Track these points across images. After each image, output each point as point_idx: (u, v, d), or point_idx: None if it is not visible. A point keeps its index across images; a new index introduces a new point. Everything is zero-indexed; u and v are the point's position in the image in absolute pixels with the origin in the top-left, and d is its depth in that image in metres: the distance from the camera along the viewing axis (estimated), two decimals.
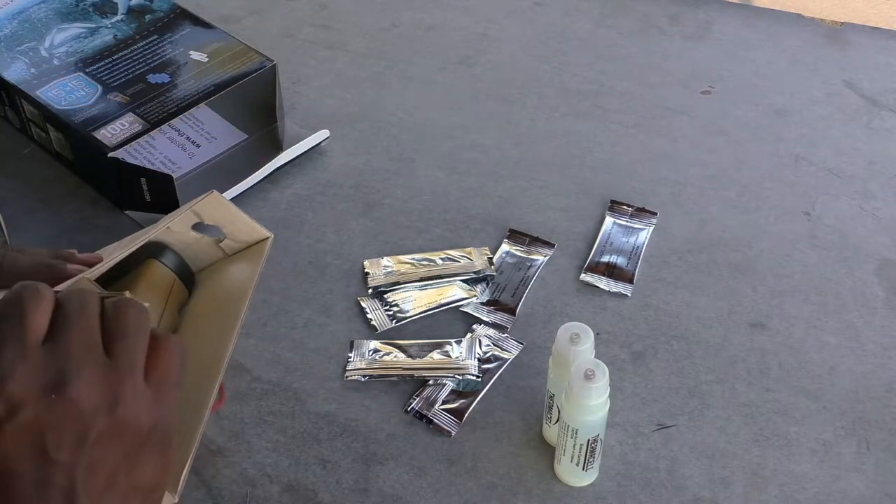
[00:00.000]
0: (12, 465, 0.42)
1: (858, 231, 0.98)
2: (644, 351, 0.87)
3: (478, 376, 0.84)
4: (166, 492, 0.56)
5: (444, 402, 0.83)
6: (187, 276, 0.72)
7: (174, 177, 0.94)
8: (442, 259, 0.94)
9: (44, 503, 0.42)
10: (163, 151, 1.02)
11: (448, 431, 0.81)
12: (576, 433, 0.73)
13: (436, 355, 0.86)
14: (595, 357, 0.74)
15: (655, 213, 0.99)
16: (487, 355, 0.87)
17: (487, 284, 0.92)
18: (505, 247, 0.96)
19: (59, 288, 0.53)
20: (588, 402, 0.71)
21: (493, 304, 0.91)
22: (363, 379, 0.85)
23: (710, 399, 0.84)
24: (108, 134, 0.97)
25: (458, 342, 0.87)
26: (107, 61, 1.04)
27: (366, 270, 0.94)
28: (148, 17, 1.09)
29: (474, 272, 0.93)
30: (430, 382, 0.84)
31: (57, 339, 0.44)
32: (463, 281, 0.92)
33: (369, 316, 0.90)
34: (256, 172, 1.01)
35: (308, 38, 1.22)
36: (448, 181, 1.03)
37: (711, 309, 0.91)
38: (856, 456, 0.80)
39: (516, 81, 1.15)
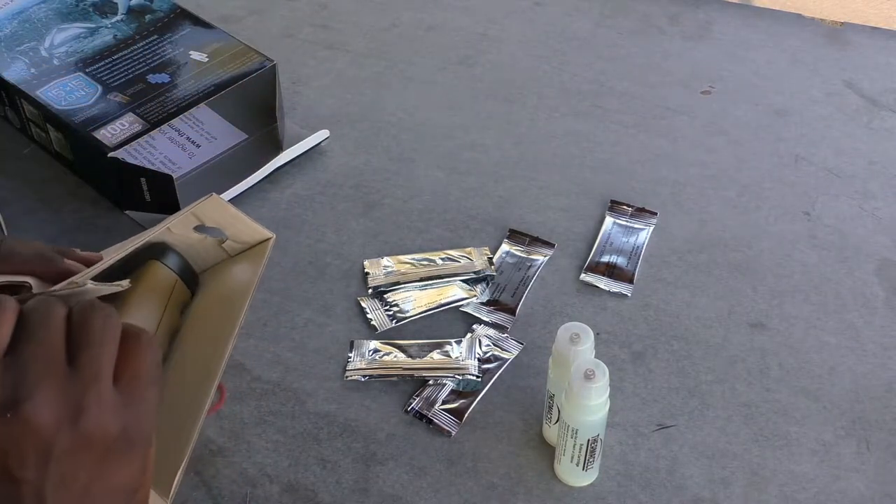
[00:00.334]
0: None
1: (858, 231, 0.98)
2: (644, 351, 0.87)
3: (478, 376, 0.84)
4: (158, 495, 0.56)
5: (444, 402, 0.83)
6: (190, 277, 0.72)
7: (174, 177, 0.94)
8: (442, 259, 0.94)
9: None
10: (163, 151, 1.02)
11: (448, 431, 0.81)
12: (576, 433, 0.73)
13: (436, 355, 0.86)
14: (595, 357, 0.74)
15: (655, 213, 0.99)
16: (487, 355, 0.87)
17: (487, 284, 0.92)
18: (505, 247, 0.96)
19: (55, 288, 0.53)
20: (588, 402, 0.71)
21: (493, 304, 0.91)
22: (363, 379, 0.85)
23: (710, 399, 0.84)
24: (108, 134, 0.97)
25: (458, 342, 0.87)
26: (107, 61, 1.04)
27: (366, 270, 0.94)
28: (148, 17, 1.09)
29: (474, 272, 0.93)
30: (430, 382, 0.84)
31: (17, 353, 0.43)
32: (463, 281, 0.92)
33: (369, 316, 0.90)
34: (256, 172, 1.01)
35: (308, 38, 1.22)
36: (448, 181, 1.03)
37: (711, 309, 0.91)
38: (856, 456, 0.80)
39: (516, 81, 1.15)
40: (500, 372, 0.86)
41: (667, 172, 1.04)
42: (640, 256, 0.95)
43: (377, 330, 0.89)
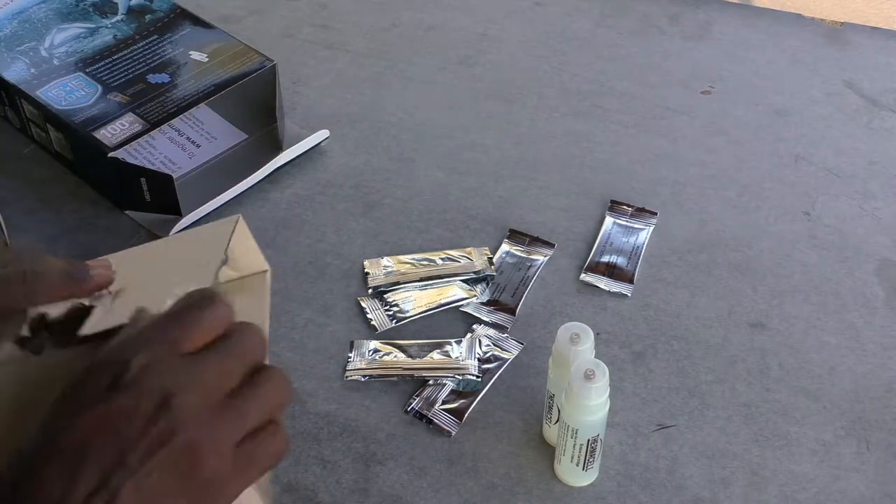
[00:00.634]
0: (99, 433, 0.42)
1: (858, 231, 0.98)
2: (644, 351, 0.87)
3: (478, 376, 0.84)
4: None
5: (444, 402, 0.83)
6: None
7: (174, 177, 0.94)
8: (442, 259, 0.94)
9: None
10: (163, 151, 1.02)
11: (448, 431, 0.81)
12: (576, 433, 0.73)
13: (436, 355, 0.86)
14: (595, 357, 0.74)
15: (655, 213, 0.99)
16: (487, 355, 0.87)
17: (487, 284, 0.92)
18: (505, 247, 0.96)
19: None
20: (588, 402, 0.71)
21: (493, 304, 0.91)
22: (363, 379, 0.85)
23: (710, 399, 0.84)
24: (108, 134, 0.97)
25: (458, 342, 0.87)
26: (107, 61, 1.04)
27: (366, 270, 0.94)
28: (148, 17, 1.09)
29: (474, 272, 0.93)
30: (430, 382, 0.84)
31: (199, 359, 0.44)
32: (463, 281, 0.92)
33: (369, 316, 0.90)
34: (256, 172, 1.01)
35: (308, 38, 1.22)
36: (448, 181, 1.03)
37: (711, 309, 0.91)
38: (856, 456, 0.80)
39: (516, 81, 1.15)
40: (500, 372, 0.86)
41: (667, 172, 1.04)
42: (640, 256, 0.95)
43: (377, 330, 0.89)
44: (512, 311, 0.90)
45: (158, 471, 0.42)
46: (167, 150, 1.02)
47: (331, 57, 1.19)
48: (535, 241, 0.96)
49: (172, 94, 1.01)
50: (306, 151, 1.05)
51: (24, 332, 0.50)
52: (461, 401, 0.83)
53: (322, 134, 1.07)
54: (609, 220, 0.98)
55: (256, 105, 1.05)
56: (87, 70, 1.03)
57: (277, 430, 0.47)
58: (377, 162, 1.05)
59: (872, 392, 0.84)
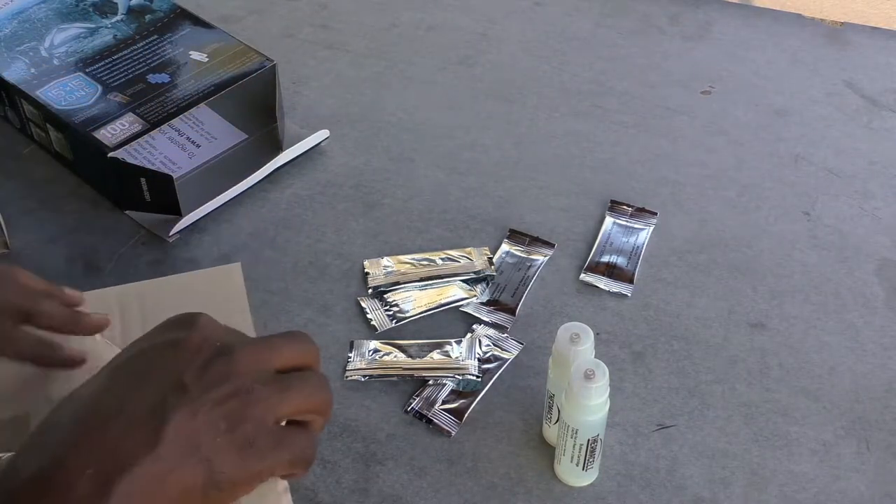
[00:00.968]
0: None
1: (858, 231, 0.98)
2: (644, 351, 0.87)
3: (478, 376, 0.84)
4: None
5: (444, 402, 0.83)
6: None
7: (174, 177, 0.94)
8: (442, 259, 0.94)
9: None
10: (163, 151, 1.02)
11: (448, 431, 0.81)
12: (576, 433, 0.73)
13: (436, 355, 0.86)
14: (595, 357, 0.74)
15: (655, 213, 0.99)
16: (487, 355, 0.87)
17: (487, 284, 0.92)
18: (505, 247, 0.96)
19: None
20: (588, 402, 0.71)
21: (493, 304, 0.91)
22: (363, 379, 0.85)
23: (710, 399, 0.84)
24: (108, 134, 0.97)
25: (458, 342, 0.87)
26: (107, 61, 1.04)
27: (366, 270, 0.94)
28: (148, 17, 1.09)
29: (474, 272, 0.93)
30: (430, 382, 0.84)
31: (258, 338, 0.49)
32: (463, 281, 0.92)
33: (369, 316, 0.90)
34: (256, 172, 1.01)
35: (308, 38, 1.22)
36: (448, 181, 1.03)
37: (711, 309, 0.91)
38: (856, 456, 0.80)
39: (516, 81, 1.15)
40: (500, 372, 0.86)
41: (667, 172, 1.04)
42: (640, 256, 0.95)
43: (377, 330, 0.89)
44: (512, 311, 0.90)
45: (211, 405, 0.45)
46: (167, 150, 1.02)
47: (331, 57, 1.19)
48: (535, 241, 0.96)
49: (172, 94, 1.01)
50: (306, 151, 1.05)
51: None
52: (461, 401, 0.83)
53: (322, 134, 1.07)
54: (609, 220, 0.98)
55: (256, 105, 1.05)
56: (87, 70, 1.03)
57: (311, 434, 0.50)
58: (377, 162, 1.05)
59: (872, 392, 0.84)
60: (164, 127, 0.99)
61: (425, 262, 0.94)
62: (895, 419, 0.83)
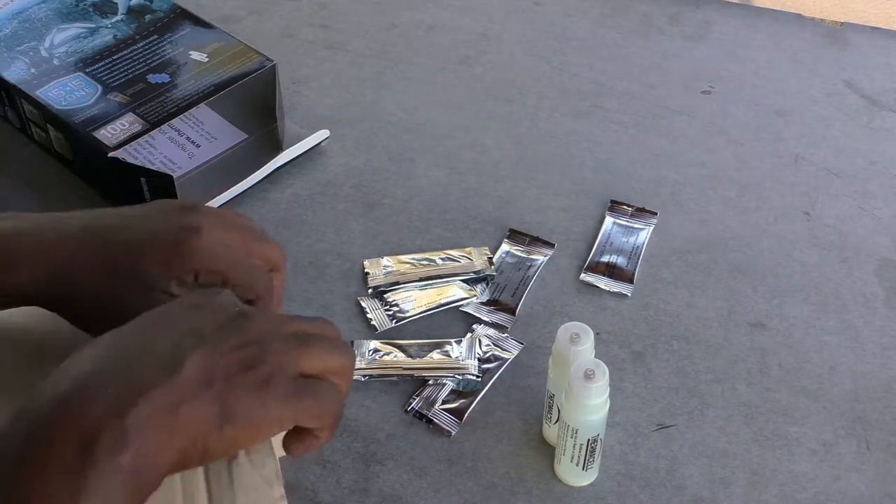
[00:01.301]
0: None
1: (858, 231, 0.98)
2: (644, 351, 0.87)
3: (478, 376, 0.84)
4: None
5: (444, 402, 0.83)
6: None
7: (174, 177, 0.94)
8: (442, 259, 0.94)
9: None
10: (163, 151, 1.02)
11: (448, 431, 0.81)
12: (576, 433, 0.73)
13: (436, 355, 0.86)
14: (595, 357, 0.74)
15: (655, 213, 0.99)
16: (487, 355, 0.86)
17: (487, 284, 0.92)
18: (505, 247, 0.96)
19: None
20: (588, 402, 0.71)
21: (493, 303, 0.91)
22: (363, 379, 0.85)
23: (710, 399, 0.84)
24: (108, 134, 0.97)
25: (458, 342, 0.87)
26: (107, 61, 1.04)
27: (366, 270, 0.94)
28: (148, 17, 1.09)
29: (474, 272, 0.93)
30: (430, 382, 0.84)
31: (299, 336, 0.50)
32: (463, 281, 0.92)
33: (369, 316, 0.90)
34: (256, 172, 1.01)
35: (308, 38, 1.22)
36: (448, 181, 1.03)
37: (711, 309, 0.91)
38: (856, 456, 0.80)
39: (516, 81, 1.15)
40: (500, 372, 0.86)
41: (667, 172, 1.04)
42: (640, 256, 0.95)
43: (377, 330, 0.89)
44: (512, 311, 0.90)
45: (228, 349, 0.47)
46: (167, 150, 1.02)
47: (331, 57, 1.19)
48: (535, 241, 0.96)
49: (172, 94, 1.01)
50: (306, 151, 1.05)
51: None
52: (461, 401, 0.83)
53: (322, 134, 1.07)
54: (609, 220, 0.98)
55: (256, 105, 1.04)
56: (87, 70, 1.03)
57: (337, 390, 0.51)
58: (377, 162, 1.05)
59: (872, 392, 0.84)
60: (164, 127, 0.99)
61: (425, 262, 0.94)
62: (895, 419, 0.83)
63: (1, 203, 0.98)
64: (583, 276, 0.93)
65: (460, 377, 0.84)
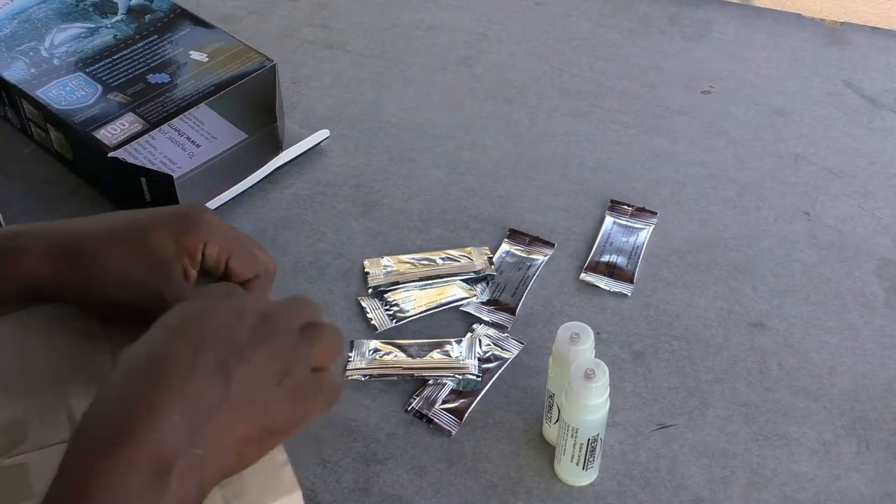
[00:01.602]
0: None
1: (858, 231, 0.98)
2: (644, 351, 0.87)
3: (478, 376, 0.84)
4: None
5: (444, 402, 0.83)
6: None
7: (174, 177, 0.94)
8: (442, 259, 0.94)
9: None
10: (163, 151, 1.02)
11: (448, 431, 0.81)
12: (576, 433, 0.73)
13: (436, 355, 0.86)
14: (595, 357, 0.74)
15: (655, 213, 0.99)
16: (487, 355, 0.87)
17: (487, 284, 0.92)
18: (505, 246, 0.96)
19: None
20: (588, 402, 0.71)
21: (493, 303, 0.91)
22: (363, 379, 0.85)
23: (710, 399, 0.84)
24: (108, 134, 0.97)
25: (458, 342, 0.87)
26: (107, 61, 1.04)
27: (366, 270, 0.94)
28: (148, 17, 1.09)
29: (474, 272, 0.93)
30: (430, 382, 0.84)
31: (308, 335, 0.54)
32: (463, 281, 0.92)
33: (369, 315, 0.90)
34: (256, 172, 1.01)
35: (308, 38, 1.22)
36: (448, 181, 1.03)
37: (711, 309, 0.91)
38: (856, 456, 0.80)
39: (516, 81, 1.15)
40: (500, 372, 0.86)
41: (667, 172, 1.04)
42: (640, 256, 0.95)
43: (377, 329, 0.89)
44: (512, 311, 0.90)
45: (263, 362, 0.50)
46: (167, 150, 1.02)
47: (331, 57, 1.19)
48: (535, 241, 0.96)
49: (172, 94, 1.01)
50: (306, 151, 1.05)
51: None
52: (461, 400, 0.83)
53: (322, 134, 1.07)
54: (609, 220, 0.98)
55: (256, 105, 1.05)
56: (87, 70, 1.03)
57: (332, 375, 0.55)
58: (377, 162, 1.05)
59: (872, 392, 0.84)
60: (165, 127, 0.99)
61: (425, 262, 0.94)
62: (895, 419, 0.83)
63: (1, 203, 0.98)
64: (583, 276, 0.93)
65: (460, 377, 0.84)
